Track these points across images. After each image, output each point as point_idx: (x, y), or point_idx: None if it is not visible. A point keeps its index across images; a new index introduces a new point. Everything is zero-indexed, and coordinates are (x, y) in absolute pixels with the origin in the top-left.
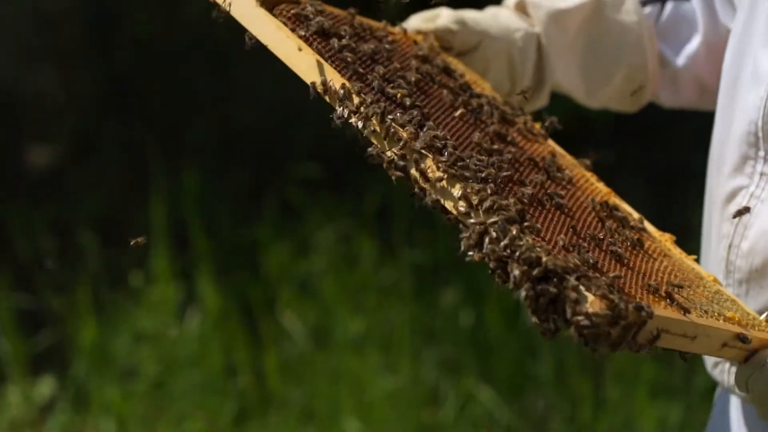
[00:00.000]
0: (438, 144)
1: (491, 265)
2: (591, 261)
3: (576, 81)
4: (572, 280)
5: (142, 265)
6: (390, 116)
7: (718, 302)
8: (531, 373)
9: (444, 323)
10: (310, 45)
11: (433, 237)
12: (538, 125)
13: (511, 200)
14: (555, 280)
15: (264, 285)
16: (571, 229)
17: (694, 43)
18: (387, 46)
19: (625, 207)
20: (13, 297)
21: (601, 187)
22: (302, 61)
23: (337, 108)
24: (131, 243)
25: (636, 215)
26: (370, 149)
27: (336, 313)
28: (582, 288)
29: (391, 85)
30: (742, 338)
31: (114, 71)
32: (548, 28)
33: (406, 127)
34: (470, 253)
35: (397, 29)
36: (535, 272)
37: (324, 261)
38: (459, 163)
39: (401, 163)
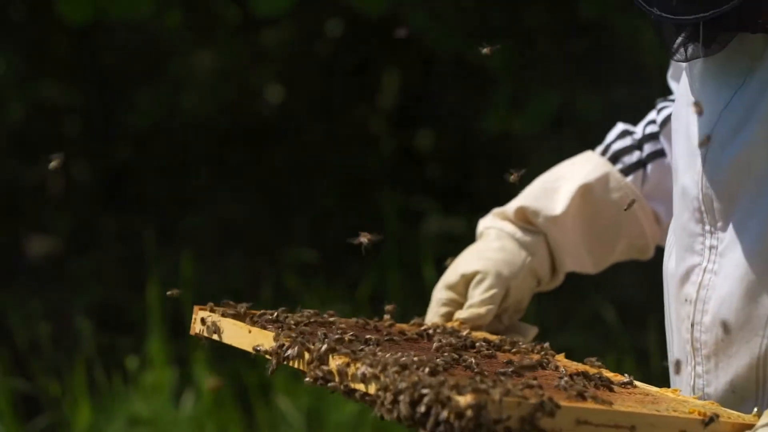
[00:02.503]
0: (346, 345)
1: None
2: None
3: (584, 261)
4: (444, 389)
5: (138, 349)
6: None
7: (696, 407)
8: None
9: None
10: (264, 328)
11: (423, 305)
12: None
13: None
14: (431, 395)
15: (259, 369)
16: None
17: None
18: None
19: (620, 378)
20: (10, 382)
21: (608, 373)
22: (250, 338)
23: (273, 360)
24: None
25: (626, 378)
26: (306, 379)
27: (330, 397)
28: (453, 393)
29: (340, 335)
30: (706, 421)
31: (113, 161)
32: (549, 230)
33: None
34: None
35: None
36: (415, 395)
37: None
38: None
39: (320, 374)
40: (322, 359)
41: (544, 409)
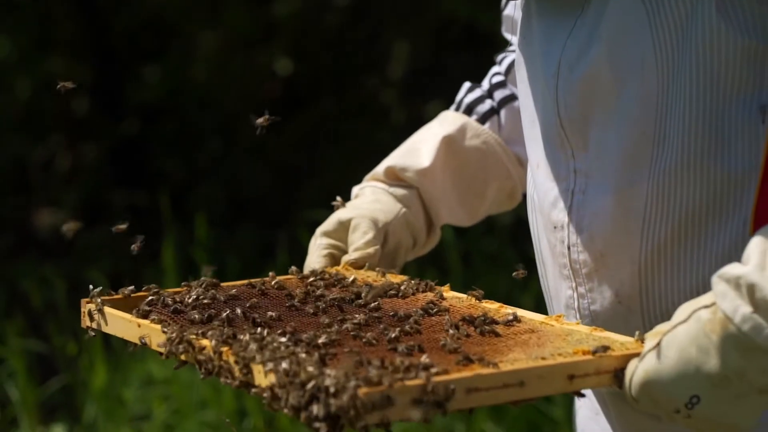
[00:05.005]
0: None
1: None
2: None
3: (458, 213)
4: (330, 389)
5: None
6: (193, 332)
7: (579, 343)
8: (544, 413)
9: None
10: (148, 315)
11: (441, 275)
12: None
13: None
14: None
15: None
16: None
17: None
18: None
19: (505, 310)
20: (25, 343)
21: (487, 305)
22: (139, 331)
23: (163, 350)
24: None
25: (510, 311)
26: (201, 373)
27: None
28: (347, 384)
29: (225, 326)
30: (596, 350)
31: (122, 136)
32: (421, 184)
33: (209, 334)
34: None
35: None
36: (305, 398)
37: None
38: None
39: (209, 366)
40: (211, 358)
41: (436, 391)
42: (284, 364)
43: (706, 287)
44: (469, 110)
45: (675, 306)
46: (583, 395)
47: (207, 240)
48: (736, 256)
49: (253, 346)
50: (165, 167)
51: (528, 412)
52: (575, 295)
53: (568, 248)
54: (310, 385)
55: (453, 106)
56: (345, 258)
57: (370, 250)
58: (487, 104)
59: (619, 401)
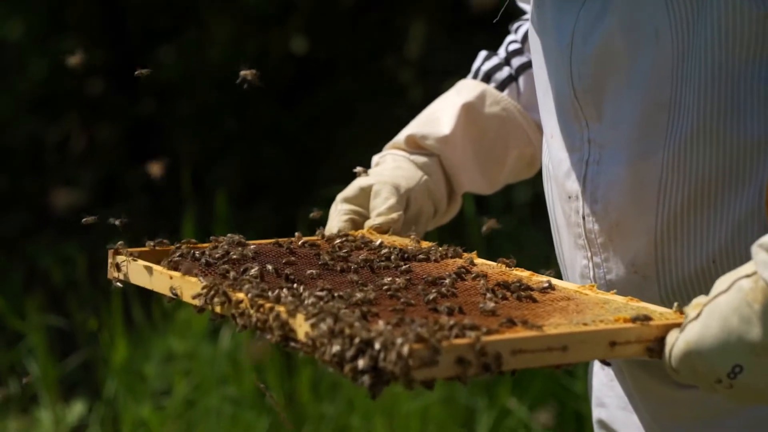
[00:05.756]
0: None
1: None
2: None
3: (479, 181)
4: (377, 343)
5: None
6: (228, 285)
7: (618, 311)
8: (566, 388)
9: None
10: (183, 273)
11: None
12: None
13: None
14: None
15: None
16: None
17: None
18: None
19: (538, 278)
20: (45, 319)
21: (519, 273)
22: (171, 282)
23: (197, 302)
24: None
25: (544, 279)
26: (236, 326)
27: None
28: (399, 339)
29: (250, 272)
30: (636, 318)
31: (138, 115)
32: (442, 151)
33: (245, 286)
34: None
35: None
36: (351, 351)
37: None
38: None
39: (246, 320)
40: (249, 312)
41: (483, 350)
42: (329, 319)
43: (722, 255)
44: (487, 78)
45: (691, 274)
46: (609, 364)
47: (227, 212)
48: (751, 223)
49: (291, 299)
50: (181, 147)
51: (550, 385)
52: (590, 264)
53: (583, 218)
54: (357, 339)
55: (470, 75)
56: (368, 223)
57: (394, 215)
58: (505, 71)
59: (635, 369)
